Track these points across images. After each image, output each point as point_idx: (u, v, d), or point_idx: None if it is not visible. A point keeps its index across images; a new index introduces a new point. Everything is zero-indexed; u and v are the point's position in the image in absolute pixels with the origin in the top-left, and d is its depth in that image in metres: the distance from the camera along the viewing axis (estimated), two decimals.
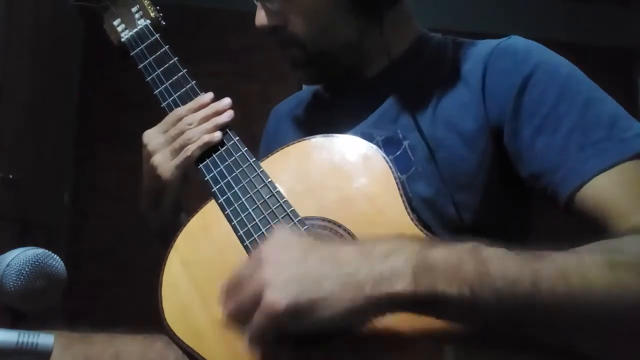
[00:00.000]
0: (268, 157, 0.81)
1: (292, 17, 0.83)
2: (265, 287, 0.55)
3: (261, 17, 0.85)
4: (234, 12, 2.79)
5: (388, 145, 0.81)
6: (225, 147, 0.81)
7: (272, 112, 1.09)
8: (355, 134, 0.81)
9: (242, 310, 0.57)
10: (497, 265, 0.54)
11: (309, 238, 0.62)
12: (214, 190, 0.78)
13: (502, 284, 0.53)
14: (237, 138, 0.81)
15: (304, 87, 1.04)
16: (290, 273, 0.56)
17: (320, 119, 0.93)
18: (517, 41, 0.82)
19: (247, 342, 0.57)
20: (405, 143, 0.81)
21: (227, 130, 0.82)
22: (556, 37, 3.01)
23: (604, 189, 0.67)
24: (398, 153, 0.81)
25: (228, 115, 0.84)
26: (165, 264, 0.75)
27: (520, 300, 0.54)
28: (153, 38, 0.94)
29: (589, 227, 0.69)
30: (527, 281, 0.53)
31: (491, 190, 0.78)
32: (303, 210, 0.73)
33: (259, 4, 0.86)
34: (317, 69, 0.88)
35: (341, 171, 0.77)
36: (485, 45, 0.83)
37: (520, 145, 0.75)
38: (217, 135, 0.82)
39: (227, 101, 0.85)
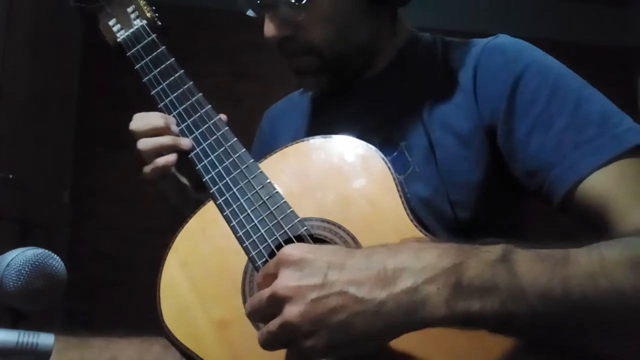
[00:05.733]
0: (266, 158, 0.80)
1: (308, 24, 0.81)
2: (296, 332, 0.55)
3: (271, 29, 0.82)
4: (232, 12, 2.79)
5: (385, 145, 0.81)
6: (224, 148, 0.81)
7: (265, 115, 1.08)
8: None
9: (272, 340, 0.58)
10: (529, 275, 0.54)
11: (323, 264, 0.56)
12: (213, 191, 0.77)
13: (534, 297, 0.53)
14: (235, 139, 0.81)
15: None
16: (317, 315, 0.54)
17: (315, 120, 0.93)
18: (505, 40, 0.82)
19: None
20: (403, 144, 0.81)
21: (226, 132, 0.82)
22: (556, 37, 3.02)
23: (602, 185, 0.68)
24: (395, 154, 0.81)
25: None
26: (163, 265, 0.74)
27: (552, 310, 0.54)
28: (149, 38, 0.93)
29: (586, 222, 0.69)
30: (558, 291, 0.54)
31: (487, 189, 0.79)
32: (302, 211, 0.73)
33: (267, 15, 0.83)
34: (329, 74, 0.86)
35: (340, 172, 0.77)
36: (474, 45, 0.83)
37: (514, 144, 0.76)
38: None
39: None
